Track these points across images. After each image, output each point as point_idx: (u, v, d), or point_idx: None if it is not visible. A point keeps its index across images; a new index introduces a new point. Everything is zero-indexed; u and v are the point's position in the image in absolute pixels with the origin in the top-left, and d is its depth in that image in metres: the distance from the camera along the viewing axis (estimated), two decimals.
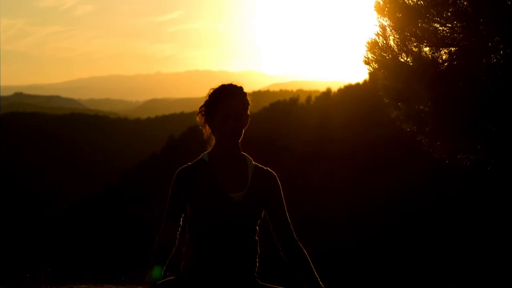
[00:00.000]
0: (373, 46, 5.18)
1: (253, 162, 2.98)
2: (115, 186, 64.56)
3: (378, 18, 5.08)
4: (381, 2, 5.04)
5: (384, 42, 5.09)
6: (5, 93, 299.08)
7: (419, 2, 4.75)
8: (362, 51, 5.24)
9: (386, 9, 4.99)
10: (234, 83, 2.99)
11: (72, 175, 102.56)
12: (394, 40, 5.04)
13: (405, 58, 4.97)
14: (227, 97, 2.91)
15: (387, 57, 5.08)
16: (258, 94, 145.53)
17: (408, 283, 25.00)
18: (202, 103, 3.05)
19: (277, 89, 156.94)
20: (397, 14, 4.90)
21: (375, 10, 5.10)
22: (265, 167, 3.02)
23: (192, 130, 75.43)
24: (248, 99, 2.98)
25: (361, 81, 52.45)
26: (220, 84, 3.01)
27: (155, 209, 49.39)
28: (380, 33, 5.11)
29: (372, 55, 5.19)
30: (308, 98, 56.06)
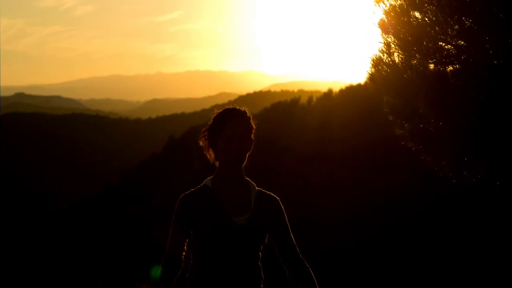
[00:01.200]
0: (377, 62, 5.14)
1: (257, 188, 2.96)
2: (115, 186, 64.62)
3: (382, 35, 5.05)
4: (386, 20, 5.02)
5: (389, 59, 5.06)
6: (5, 94, 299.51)
7: (424, 20, 4.73)
8: (367, 68, 5.20)
9: (391, 26, 4.97)
10: (238, 106, 2.94)
11: (72, 175, 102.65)
12: (398, 56, 5.01)
13: (410, 75, 4.94)
14: (231, 121, 2.86)
15: (391, 74, 5.05)
16: (259, 94, 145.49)
17: (408, 284, 24.99)
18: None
19: (278, 89, 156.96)
20: (402, 33, 4.88)
21: (379, 27, 5.07)
22: (268, 192, 2.99)
23: (193, 130, 75.48)
24: (253, 123, 2.93)
25: (362, 81, 52.52)
26: (224, 107, 2.96)
27: (155, 209, 49.41)
28: (385, 50, 5.08)
29: (377, 71, 5.16)
30: (309, 99, 56.08)
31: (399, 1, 4.90)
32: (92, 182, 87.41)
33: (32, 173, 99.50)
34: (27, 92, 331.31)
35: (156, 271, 2.84)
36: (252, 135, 2.91)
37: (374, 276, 27.19)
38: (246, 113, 2.91)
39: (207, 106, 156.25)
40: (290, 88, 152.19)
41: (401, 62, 5.00)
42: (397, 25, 4.91)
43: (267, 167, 42.11)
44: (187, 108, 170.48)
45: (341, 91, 55.27)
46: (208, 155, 2.97)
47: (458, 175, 5.05)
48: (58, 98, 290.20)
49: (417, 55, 4.87)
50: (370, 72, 5.23)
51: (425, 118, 5.02)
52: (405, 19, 4.86)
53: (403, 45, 4.92)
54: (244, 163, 2.89)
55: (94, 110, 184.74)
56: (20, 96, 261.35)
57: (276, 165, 41.41)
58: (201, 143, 2.97)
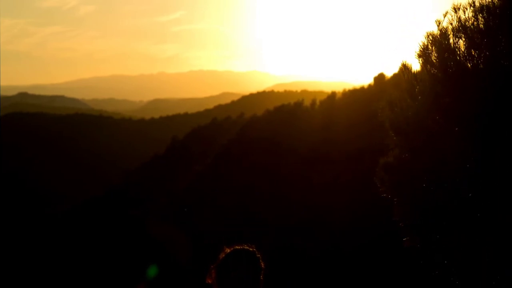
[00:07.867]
0: (387, 167, 5.16)
1: None
2: (118, 187, 64.69)
3: (393, 136, 5.00)
4: (397, 121, 4.97)
5: (400, 167, 5.04)
6: (9, 93, 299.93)
7: (429, 131, 4.69)
8: (379, 174, 5.21)
9: (403, 132, 4.95)
10: (247, 247, 2.93)
11: (75, 175, 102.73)
12: (408, 164, 4.99)
13: (421, 190, 4.88)
14: (240, 264, 2.86)
15: (402, 178, 4.99)
16: (262, 94, 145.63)
17: (410, 285, 24.92)
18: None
19: (281, 89, 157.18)
20: (413, 138, 4.88)
21: (390, 130, 5.06)
22: None
23: (195, 131, 75.49)
24: (262, 263, 2.91)
25: (365, 84, 52.57)
26: (233, 247, 2.94)
27: (156, 210, 49.41)
28: (396, 156, 5.09)
29: (389, 177, 5.17)
30: (313, 102, 55.97)
31: (408, 101, 4.98)
32: (95, 182, 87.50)
33: (35, 174, 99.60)
34: (30, 91, 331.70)
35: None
36: (261, 276, 2.88)
37: (377, 278, 27.14)
38: (255, 254, 2.91)
39: (210, 106, 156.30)
40: (293, 89, 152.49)
41: (411, 172, 4.98)
42: (407, 129, 4.94)
43: (271, 168, 42.00)
44: (190, 108, 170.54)
45: (344, 93, 55.26)
46: None
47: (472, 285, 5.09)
48: (62, 97, 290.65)
49: (428, 163, 4.85)
50: (381, 179, 5.23)
51: (440, 233, 5.02)
52: (417, 124, 4.86)
53: (414, 149, 4.95)
54: None
55: (97, 110, 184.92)
56: (23, 96, 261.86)
57: (279, 166, 41.32)
58: (209, 281, 2.93)
